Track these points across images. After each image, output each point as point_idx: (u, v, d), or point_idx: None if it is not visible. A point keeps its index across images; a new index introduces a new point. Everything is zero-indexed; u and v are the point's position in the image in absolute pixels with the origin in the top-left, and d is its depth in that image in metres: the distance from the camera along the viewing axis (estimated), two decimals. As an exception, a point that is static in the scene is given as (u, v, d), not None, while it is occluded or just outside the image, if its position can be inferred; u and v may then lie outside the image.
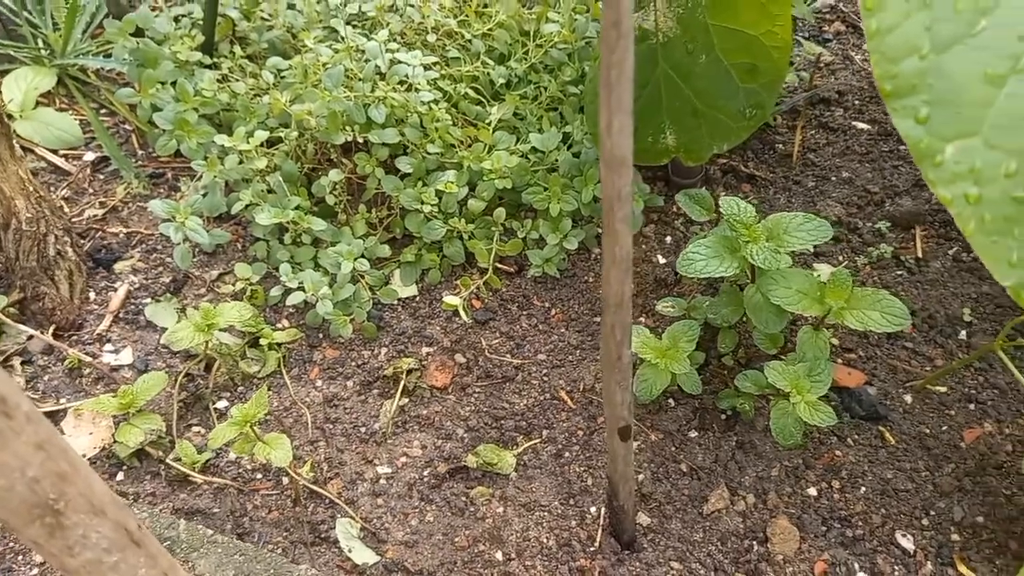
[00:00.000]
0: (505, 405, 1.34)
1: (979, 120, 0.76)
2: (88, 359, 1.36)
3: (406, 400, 1.35)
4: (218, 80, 1.61)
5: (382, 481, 1.25)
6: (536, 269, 1.51)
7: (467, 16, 1.67)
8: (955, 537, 1.16)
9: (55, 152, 1.70)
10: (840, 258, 1.54)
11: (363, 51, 1.54)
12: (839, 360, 1.38)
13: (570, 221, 1.50)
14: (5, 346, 1.37)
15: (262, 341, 1.38)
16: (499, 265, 1.53)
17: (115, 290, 1.47)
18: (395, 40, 1.62)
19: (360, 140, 1.50)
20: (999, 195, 0.76)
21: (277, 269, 1.45)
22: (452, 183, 1.45)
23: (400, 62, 1.51)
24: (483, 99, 1.61)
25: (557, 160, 1.51)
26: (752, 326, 1.26)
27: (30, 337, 1.38)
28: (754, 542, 1.16)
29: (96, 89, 1.83)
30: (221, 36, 1.78)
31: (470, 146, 1.52)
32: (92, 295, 1.47)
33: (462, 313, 1.41)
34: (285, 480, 1.24)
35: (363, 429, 1.31)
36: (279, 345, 1.41)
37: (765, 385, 1.21)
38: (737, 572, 1.13)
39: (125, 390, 1.22)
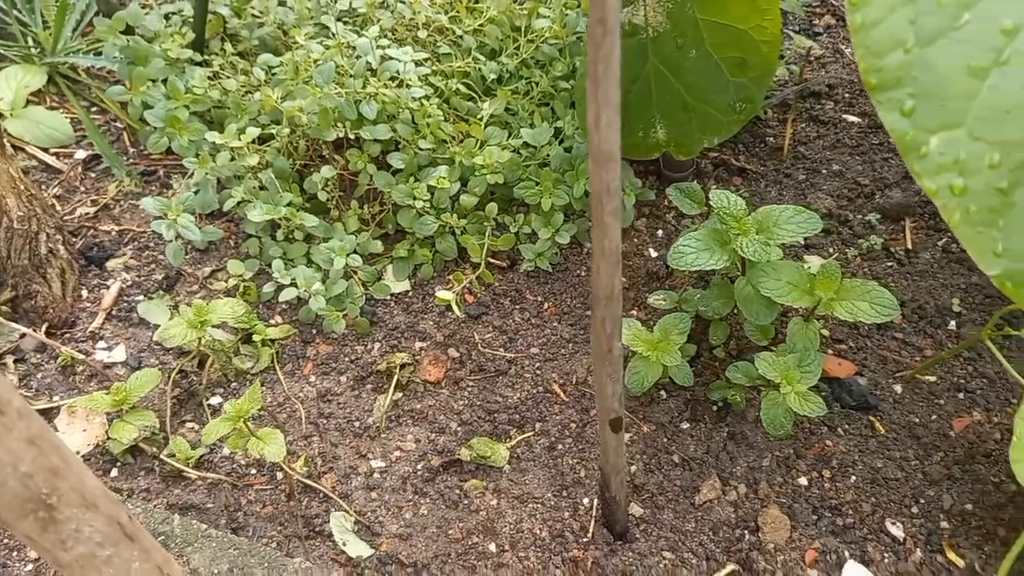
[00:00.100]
0: (498, 399, 1.35)
1: (963, 112, 0.77)
2: (81, 357, 1.36)
3: (399, 394, 1.36)
4: (209, 77, 1.61)
5: (376, 475, 1.25)
6: (528, 263, 1.51)
7: (458, 12, 1.67)
8: (944, 524, 1.17)
9: (46, 150, 1.70)
10: (831, 250, 1.55)
11: (354, 47, 1.54)
12: (830, 351, 1.39)
13: (562, 215, 1.51)
14: (-2, 344, 1.37)
15: (255, 337, 1.39)
16: (491, 260, 1.54)
17: (107, 288, 1.48)
18: (386, 36, 1.62)
19: (352, 136, 1.50)
20: (983, 186, 0.77)
21: (270, 265, 1.45)
22: (444, 178, 1.46)
23: (391, 58, 1.51)
24: (474, 95, 1.61)
25: (549, 155, 1.52)
26: (743, 318, 1.27)
27: (23, 335, 1.38)
28: (745, 531, 1.17)
29: (87, 87, 1.82)
30: (212, 33, 1.78)
31: (462, 142, 1.53)
32: (84, 293, 1.47)
33: (455, 308, 1.42)
34: (279, 475, 1.25)
35: (357, 424, 1.32)
36: (272, 341, 1.41)
37: (756, 376, 1.22)
38: (729, 561, 1.14)
39: (118, 387, 1.23)
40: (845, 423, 1.30)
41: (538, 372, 1.38)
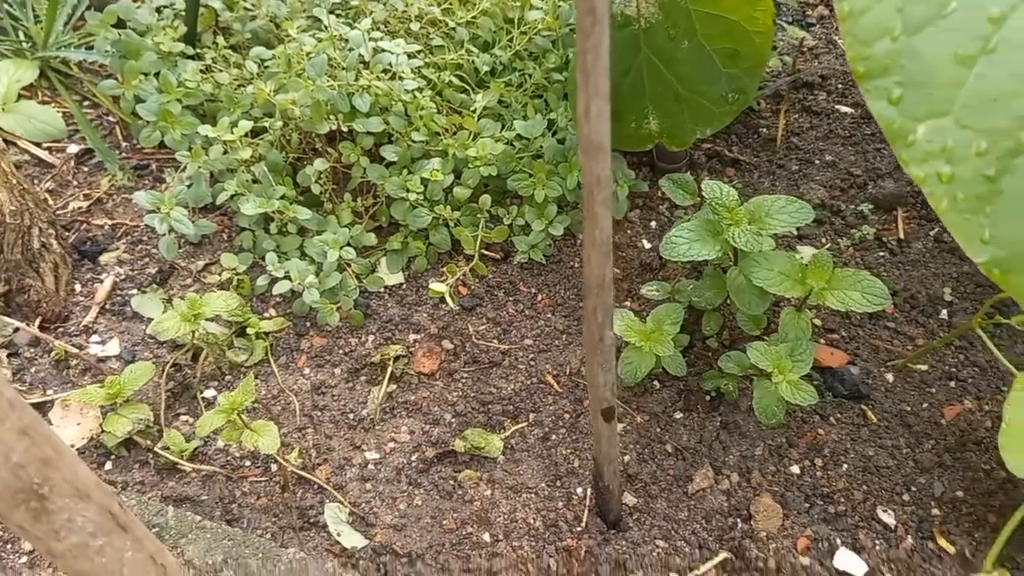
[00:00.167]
0: (492, 390, 1.35)
1: (950, 100, 0.77)
2: (75, 351, 1.36)
3: (394, 386, 1.36)
4: (201, 71, 1.61)
5: (370, 466, 1.26)
6: (522, 255, 1.52)
7: (451, 4, 1.67)
8: (935, 512, 1.18)
9: (38, 145, 1.70)
10: (823, 240, 1.55)
11: (346, 40, 1.54)
12: (822, 341, 1.39)
13: (555, 207, 1.51)
14: (-8, 339, 1.37)
15: (249, 330, 1.39)
16: (485, 252, 1.54)
17: (101, 282, 1.48)
18: (378, 29, 1.62)
19: (345, 129, 1.50)
20: (971, 174, 0.77)
21: (263, 259, 1.45)
22: (437, 171, 1.46)
23: (384, 50, 1.50)
24: (468, 87, 1.61)
25: (542, 147, 1.52)
26: (736, 308, 1.27)
27: (16, 330, 1.38)
28: (738, 520, 1.18)
29: (79, 81, 1.82)
30: (204, 27, 1.77)
31: (455, 134, 1.53)
32: (78, 287, 1.47)
33: (449, 300, 1.42)
34: (274, 467, 1.25)
35: (351, 416, 1.32)
36: (266, 334, 1.41)
37: (748, 366, 1.23)
38: (721, 549, 1.15)
39: (112, 380, 1.23)
40: (837, 412, 1.30)
41: (532, 363, 1.39)
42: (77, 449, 1.25)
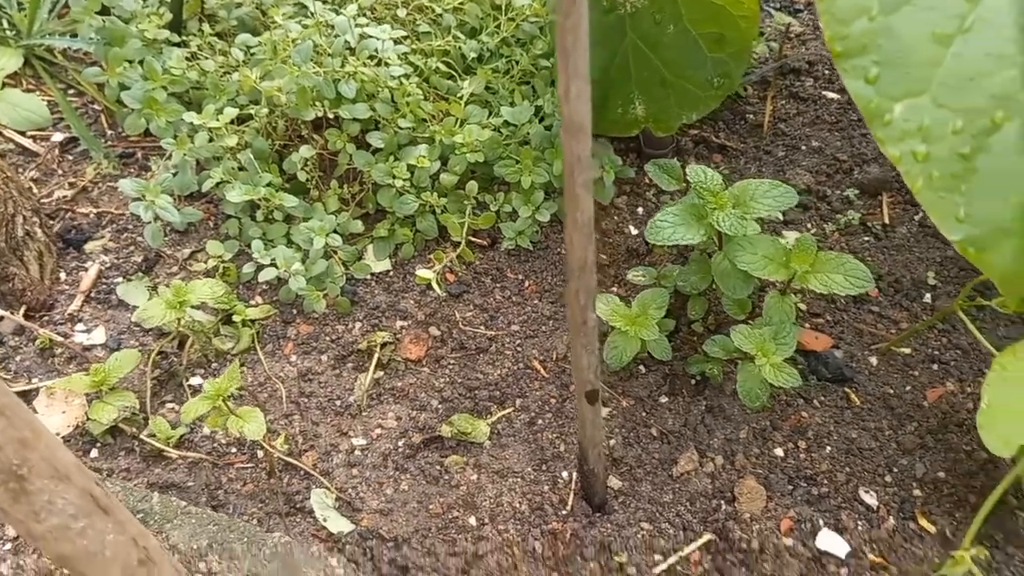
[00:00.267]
0: (479, 376, 1.35)
1: (927, 79, 0.78)
2: (60, 339, 1.36)
3: (381, 373, 1.36)
4: (187, 58, 1.60)
5: (357, 452, 1.26)
6: (509, 242, 1.52)
7: (437, -10, 1.67)
8: (917, 492, 1.19)
9: (23, 133, 1.69)
10: (809, 226, 1.56)
11: (332, 26, 1.53)
12: (807, 325, 1.40)
13: (542, 193, 1.51)
14: (-24, 327, 1.37)
15: (235, 318, 1.39)
16: (472, 238, 1.54)
17: (86, 270, 1.47)
18: (364, 15, 1.61)
19: (331, 116, 1.49)
20: (947, 152, 0.78)
21: (249, 246, 1.45)
22: (424, 157, 1.45)
23: (370, 37, 1.50)
24: (454, 73, 1.60)
25: (529, 133, 1.51)
26: (721, 292, 1.28)
27: (0, 318, 1.38)
28: (722, 502, 1.19)
29: (63, 69, 1.81)
30: (189, 14, 1.76)
31: (442, 120, 1.52)
32: (63, 275, 1.46)
33: (436, 287, 1.42)
34: (260, 453, 1.25)
35: (338, 402, 1.32)
36: (253, 321, 1.41)
37: (733, 349, 1.23)
38: (705, 531, 1.15)
39: (97, 368, 1.23)
40: (821, 395, 1.31)
41: (519, 349, 1.39)
42: (63, 437, 1.25)
